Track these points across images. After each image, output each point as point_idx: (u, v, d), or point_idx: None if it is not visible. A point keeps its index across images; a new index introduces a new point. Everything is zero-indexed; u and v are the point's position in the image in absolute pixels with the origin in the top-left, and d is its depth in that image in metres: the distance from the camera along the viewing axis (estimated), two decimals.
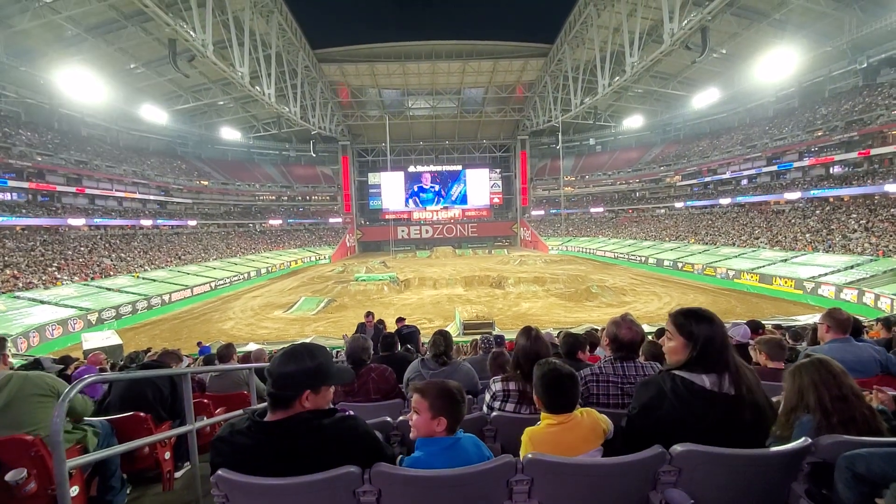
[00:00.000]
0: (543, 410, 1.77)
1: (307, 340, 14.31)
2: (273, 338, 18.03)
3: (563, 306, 22.30)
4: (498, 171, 60.37)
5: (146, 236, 38.34)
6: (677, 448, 1.49)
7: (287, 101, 35.76)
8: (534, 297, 24.71)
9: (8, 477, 2.12)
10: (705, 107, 42.26)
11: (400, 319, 8.23)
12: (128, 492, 2.98)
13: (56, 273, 25.85)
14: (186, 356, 9.87)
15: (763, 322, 7.12)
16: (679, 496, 1.47)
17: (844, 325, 3.07)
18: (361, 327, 7.53)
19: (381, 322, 8.01)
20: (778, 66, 30.05)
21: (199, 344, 13.56)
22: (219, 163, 52.89)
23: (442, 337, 3.33)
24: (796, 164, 35.13)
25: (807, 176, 34.97)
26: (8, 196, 29.92)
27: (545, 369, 1.78)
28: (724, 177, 41.94)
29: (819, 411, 1.65)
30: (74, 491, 2.23)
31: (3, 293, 21.38)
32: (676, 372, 1.67)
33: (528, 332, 2.45)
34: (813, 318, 11.72)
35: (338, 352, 10.13)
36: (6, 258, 25.09)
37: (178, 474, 3.38)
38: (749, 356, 3.48)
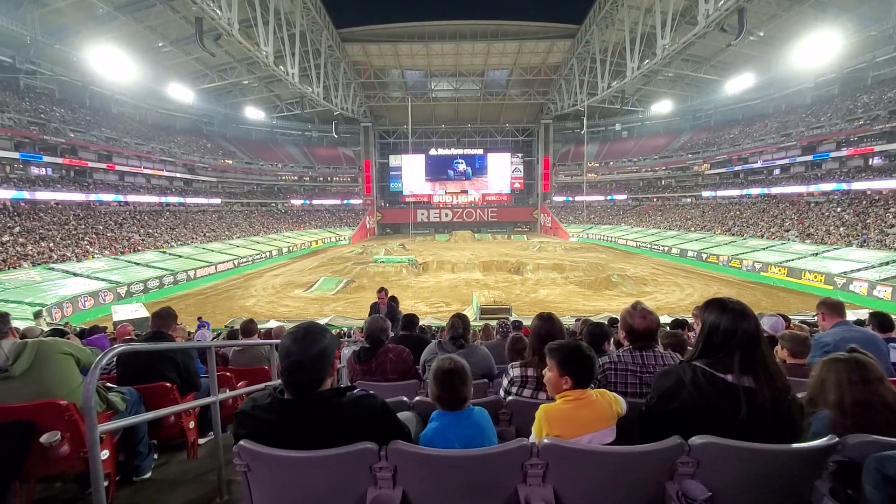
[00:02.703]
0: (561, 389, 1.79)
1: (321, 320, 14.52)
2: (293, 316, 18.43)
3: (582, 294, 22.15)
4: (520, 155, 59.61)
5: (173, 213, 39.27)
6: (696, 440, 1.47)
7: (310, 82, 35.80)
8: (552, 283, 24.58)
9: (43, 439, 2.23)
10: (739, 92, 40.71)
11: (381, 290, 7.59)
12: (155, 457, 3.11)
13: (88, 247, 26.77)
14: (215, 330, 10.15)
15: (789, 317, 6.93)
16: (696, 488, 1.45)
17: (840, 309, 3.28)
18: (375, 306, 7.42)
19: (393, 299, 7.87)
20: (818, 50, 28.61)
21: (199, 319, 13.71)
22: (243, 142, 53.56)
23: (460, 320, 3.35)
24: (833, 154, 33.70)
25: (844, 167, 33.53)
26: (43, 171, 30.95)
27: (570, 346, 1.81)
28: (755, 166, 40.55)
29: (837, 410, 1.60)
30: (105, 454, 2.33)
31: (39, 264, 22.28)
32: (697, 362, 1.64)
33: (544, 317, 2.46)
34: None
35: (352, 330, 10.32)
36: (42, 231, 26.08)
37: (201, 441, 3.50)
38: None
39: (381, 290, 7.46)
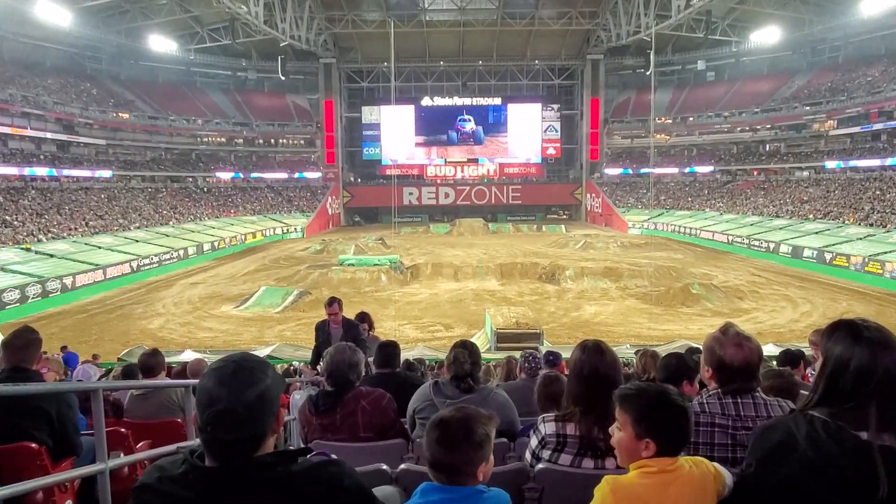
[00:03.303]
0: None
1: (260, 351, 14.45)
2: (220, 344, 18.38)
3: (648, 313, 22.14)
4: (556, 107, 59.68)
5: (41, 192, 39.21)
6: None
7: None
8: (603, 297, 24.58)
9: None
10: (881, 14, 40.59)
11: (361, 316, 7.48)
12: None
13: None
14: (101, 367, 10.14)
15: None
16: None
17: None
18: (322, 327, 6.99)
19: (362, 317, 7.37)
20: None
21: (63, 349, 13.05)
22: (145, 87, 53.58)
23: (466, 351, 3.32)
24: None
25: None
26: None
27: (652, 393, 1.78)
28: None
29: None
30: None
31: None
32: (815, 412, 1.63)
33: (589, 347, 2.44)
34: None
35: (302, 365, 10.31)
36: None
37: None
38: None
39: (333, 301, 7.03)
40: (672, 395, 1.76)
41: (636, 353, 8.29)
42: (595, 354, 2.41)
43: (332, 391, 3.18)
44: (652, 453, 1.68)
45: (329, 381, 3.22)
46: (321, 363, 6.24)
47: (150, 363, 4.94)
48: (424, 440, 1.70)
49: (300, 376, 8.31)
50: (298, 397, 4.56)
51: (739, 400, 2.22)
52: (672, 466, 1.69)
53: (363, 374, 3.36)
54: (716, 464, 1.79)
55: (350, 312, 7.43)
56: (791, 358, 5.52)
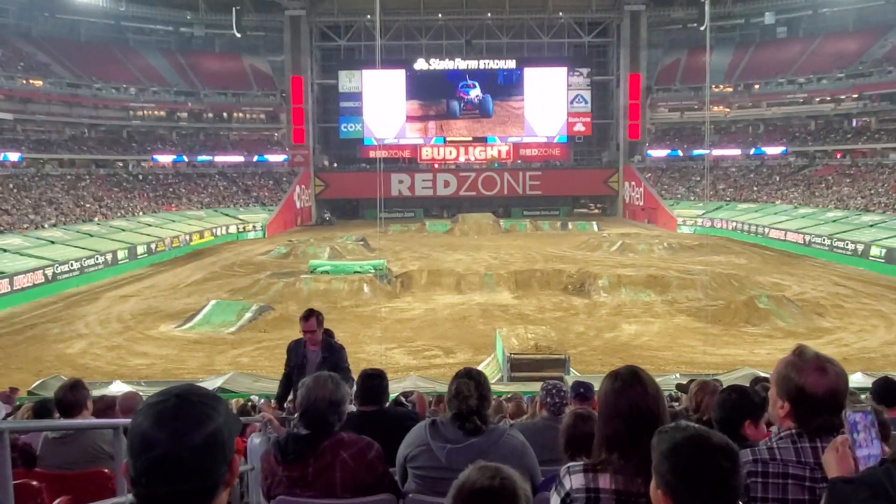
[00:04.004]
0: None
1: (208, 382, 14.46)
2: (158, 374, 18.38)
3: (702, 333, 22.08)
4: (585, 71, 59.76)
5: None
6: None
7: None
8: (646, 313, 24.57)
9: None
10: None
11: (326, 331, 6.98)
12: None
13: None
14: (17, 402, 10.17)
15: None
16: None
17: None
18: (295, 347, 6.71)
19: (339, 351, 6.79)
20: None
21: None
22: (64, 47, 53.61)
23: (472, 382, 3.32)
24: None
25: None
26: None
27: (681, 437, 1.77)
28: None
29: None
30: None
31: None
32: None
33: (624, 378, 2.43)
34: None
35: (262, 403, 10.28)
36: None
37: None
38: None
39: (311, 314, 6.59)
40: (713, 441, 1.75)
41: (688, 383, 8.29)
42: (633, 386, 2.40)
43: (305, 435, 3.14)
44: None
45: (303, 422, 3.19)
46: (294, 396, 6.16)
47: (70, 399, 4.92)
48: None
49: (260, 415, 8.21)
50: (258, 441, 4.54)
51: (820, 444, 2.21)
52: None
53: (345, 415, 3.32)
54: None
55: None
56: (889, 390, 5.37)
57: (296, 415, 3.30)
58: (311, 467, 3.13)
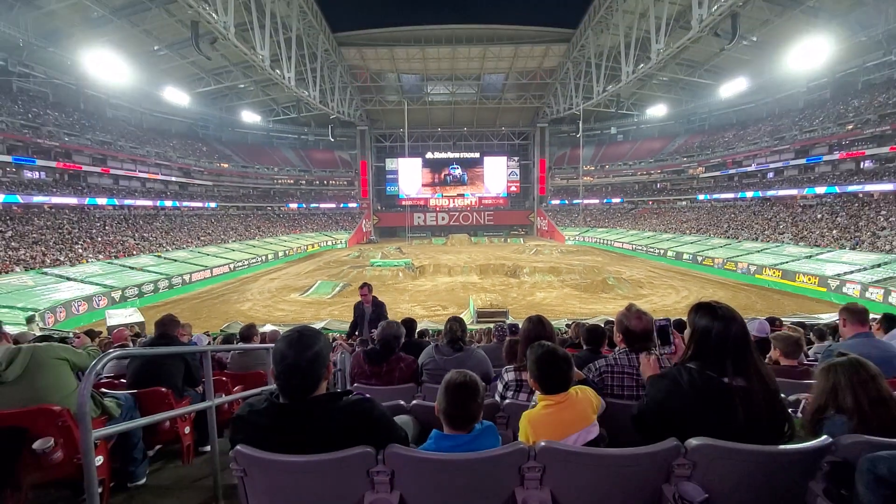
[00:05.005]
0: (539, 392, 1.79)
1: (317, 324, 14.41)
2: (289, 320, 18.37)
3: (579, 297, 22.18)
4: (516, 159, 59.68)
5: (168, 217, 39.07)
6: (692, 442, 1.48)
7: (306, 85, 35.80)
8: (549, 287, 24.61)
9: (35, 445, 2.20)
10: (733, 96, 41.00)
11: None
12: (149, 463, 3.08)
13: (81, 251, 26.59)
14: (206, 334, 10.09)
15: (784, 319, 6.98)
16: (693, 490, 1.46)
17: (862, 317, 3.03)
18: (358, 305, 6.44)
19: (381, 306, 6.53)
20: (810, 55, 28.82)
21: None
22: (239, 146, 53.42)
23: (457, 323, 3.35)
24: (826, 158, 33.98)
25: (836, 170, 33.82)
26: (36, 175, 30.77)
27: (539, 352, 1.80)
28: (749, 169, 40.83)
29: (857, 415, 1.60)
30: (99, 460, 2.32)
31: (32, 269, 22.11)
32: (691, 364, 1.65)
33: (534, 320, 2.47)
34: (836, 317, 11.40)
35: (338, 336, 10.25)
36: (35, 235, 25.89)
37: (203, 449, 3.49)
38: (768, 350, 3.42)
39: (364, 285, 6.48)
40: (557, 351, 1.81)
41: (570, 324, 8.31)
42: (538, 325, 2.43)
43: (381, 350, 3.22)
44: (542, 392, 1.78)
45: (379, 345, 3.26)
46: (359, 333, 6.19)
47: (246, 333, 4.97)
48: (443, 401, 1.65)
49: (336, 343, 8.14)
50: (338, 356, 4.58)
51: (639, 355, 2.23)
52: (563, 397, 1.74)
53: (402, 342, 3.38)
54: (592, 390, 1.89)
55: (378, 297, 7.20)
56: (681, 325, 5.36)
57: (376, 340, 3.31)
58: (384, 369, 3.17)
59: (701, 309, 1.68)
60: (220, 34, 23.22)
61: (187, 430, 3.30)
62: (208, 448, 3.23)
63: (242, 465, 1.50)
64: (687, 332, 1.73)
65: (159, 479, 2.99)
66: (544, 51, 42.71)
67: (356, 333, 6.34)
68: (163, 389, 3.15)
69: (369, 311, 6.27)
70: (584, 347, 3.34)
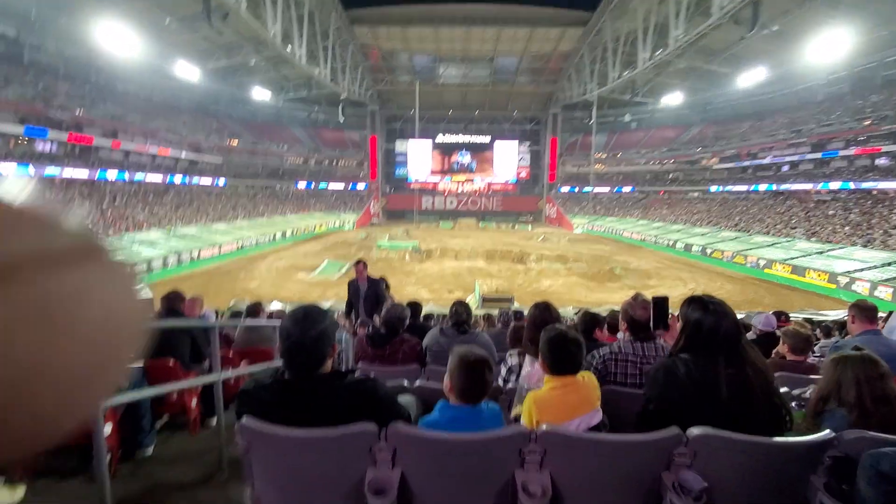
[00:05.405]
0: (547, 373, 1.81)
1: (323, 304, 14.52)
2: (296, 299, 18.50)
3: (585, 286, 22.13)
4: (527, 144, 59.04)
5: (178, 192, 39.26)
6: (694, 431, 1.49)
7: (317, 63, 35.47)
8: (555, 274, 24.55)
9: None
10: (750, 86, 39.93)
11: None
12: (156, 434, 3.15)
13: (91, 225, 26.85)
14: (215, 311, 10.20)
15: (791, 315, 6.92)
16: (692, 478, 1.47)
17: (872, 314, 3.06)
18: (352, 283, 6.12)
19: (381, 281, 6.24)
20: (830, 48, 27.95)
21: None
22: (248, 123, 53.25)
23: (463, 307, 3.37)
24: (842, 153, 33.31)
25: (851, 166, 33.17)
26: (47, 147, 30.96)
27: (552, 333, 1.82)
28: (763, 162, 40.13)
29: (857, 409, 1.61)
30: (108, 429, 2.37)
31: None
32: (684, 355, 1.69)
33: (540, 306, 2.48)
34: (843, 314, 11.28)
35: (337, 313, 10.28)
36: None
37: (210, 421, 3.57)
38: (775, 344, 3.42)
39: (359, 262, 6.14)
40: (568, 334, 1.82)
41: (577, 312, 8.33)
42: (544, 311, 2.43)
43: (385, 333, 3.23)
44: (550, 374, 1.79)
45: (384, 327, 3.27)
46: (357, 314, 6.07)
47: (254, 309, 5.05)
48: (458, 377, 1.65)
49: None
50: (341, 335, 4.59)
51: (644, 344, 2.24)
52: (570, 381, 1.76)
53: (406, 324, 3.40)
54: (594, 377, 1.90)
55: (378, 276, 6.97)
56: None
57: (381, 321, 3.34)
58: (388, 350, 3.19)
59: (693, 302, 1.72)
60: (231, 9, 22.98)
61: (194, 402, 3.37)
62: (214, 422, 3.29)
63: (247, 439, 1.53)
64: (679, 324, 1.75)
65: (166, 450, 3.07)
66: (560, 34, 41.83)
67: (353, 313, 6.12)
68: (170, 362, 3.21)
69: (364, 289, 6.02)
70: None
